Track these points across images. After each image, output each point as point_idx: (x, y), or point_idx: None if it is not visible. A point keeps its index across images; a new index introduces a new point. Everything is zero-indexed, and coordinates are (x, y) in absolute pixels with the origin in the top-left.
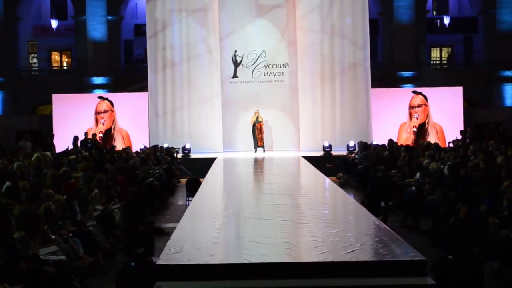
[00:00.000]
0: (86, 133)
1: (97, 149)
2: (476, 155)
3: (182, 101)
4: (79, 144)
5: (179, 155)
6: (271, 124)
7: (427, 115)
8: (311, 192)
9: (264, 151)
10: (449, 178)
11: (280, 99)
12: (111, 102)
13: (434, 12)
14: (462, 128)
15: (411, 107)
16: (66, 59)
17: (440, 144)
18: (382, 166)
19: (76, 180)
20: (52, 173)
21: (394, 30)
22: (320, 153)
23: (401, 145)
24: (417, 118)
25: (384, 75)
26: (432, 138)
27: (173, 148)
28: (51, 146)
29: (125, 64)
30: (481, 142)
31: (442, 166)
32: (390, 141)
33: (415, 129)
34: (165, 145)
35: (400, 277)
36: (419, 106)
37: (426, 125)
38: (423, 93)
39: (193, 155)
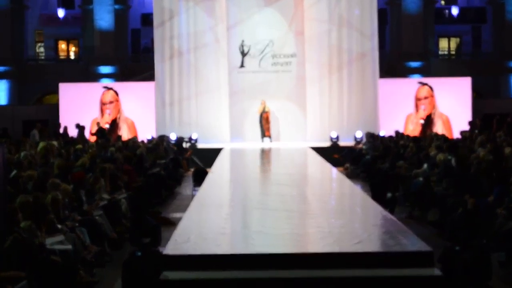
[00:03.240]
0: (98, 123)
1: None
2: (484, 146)
3: (189, 90)
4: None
5: (187, 145)
6: (278, 114)
7: (434, 106)
8: (318, 182)
9: (271, 141)
10: (457, 169)
11: (287, 89)
12: (116, 92)
13: (442, 2)
14: (470, 119)
15: (417, 99)
16: (73, 48)
17: (447, 135)
18: (389, 157)
19: (83, 169)
20: (59, 163)
21: (402, 20)
22: (327, 143)
23: (407, 136)
24: (424, 110)
25: (392, 65)
26: (438, 129)
27: (182, 138)
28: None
29: (132, 54)
30: (489, 133)
31: (449, 157)
32: (397, 132)
33: (422, 121)
34: (172, 135)
35: (407, 268)
36: (426, 98)
37: (433, 116)
38: (431, 83)
39: (200, 145)
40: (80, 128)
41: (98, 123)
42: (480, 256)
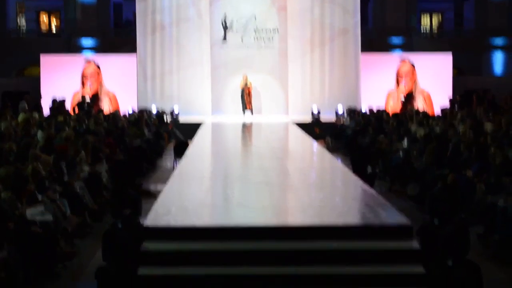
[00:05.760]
0: (83, 97)
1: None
2: (464, 122)
3: (171, 64)
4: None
5: (169, 118)
6: (260, 89)
7: (415, 82)
8: (299, 156)
9: (252, 114)
10: (437, 145)
11: (269, 64)
12: (97, 66)
13: None
14: (451, 95)
15: (398, 75)
16: (55, 21)
17: (428, 111)
18: (369, 132)
19: (66, 142)
20: (46, 134)
21: None
22: (309, 118)
23: (385, 111)
24: (404, 85)
25: (374, 41)
26: (419, 105)
27: (163, 111)
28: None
29: (114, 27)
30: (469, 109)
31: (429, 132)
32: (371, 110)
33: (402, 97)
34: (154, 108)
35: (386, 241)
36: (407, 74)
37: (414, 92)
38: (412, 59)
39: (181, 118)
40: (61, 101)
41: (83, 96)
42: (458, 229)
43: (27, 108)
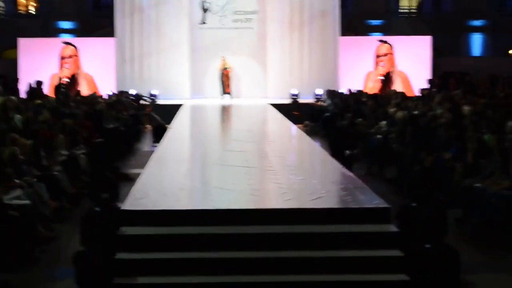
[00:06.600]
0: (60, 79)
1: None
2: (441, 104)
3: (150, 47)
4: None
5: (146, 102)
6: (239, 71)
7: (393, 64)
8: (278, 139)
9: (231, 98)
10: (415, 127)
11: (248, 46)
12: (75, 47)
13: None
14: (429, 77)
15: (377, 56)
16: (33, 3)
17: (406, 92)
18: (348, 114)
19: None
20: (25, 118)
21: None
22: (288, 100)
23: (366, 93)
24: (382, 66)
25: (353, 24)
26: (397, 86)
27: (141, 95)
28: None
29: (92, 9)
30: (447, 91)
31: (408, 115)
32: (350, 91)
33: (381, 77)
34: (132, 91)
35: (364, 224)
36: (385, 55)
37: (391, 73)
38: (390, 41)
39: (160, 102)
40: (38, 83)
41: (60, 78)
42: (436, 212)
43: (2, 90)
